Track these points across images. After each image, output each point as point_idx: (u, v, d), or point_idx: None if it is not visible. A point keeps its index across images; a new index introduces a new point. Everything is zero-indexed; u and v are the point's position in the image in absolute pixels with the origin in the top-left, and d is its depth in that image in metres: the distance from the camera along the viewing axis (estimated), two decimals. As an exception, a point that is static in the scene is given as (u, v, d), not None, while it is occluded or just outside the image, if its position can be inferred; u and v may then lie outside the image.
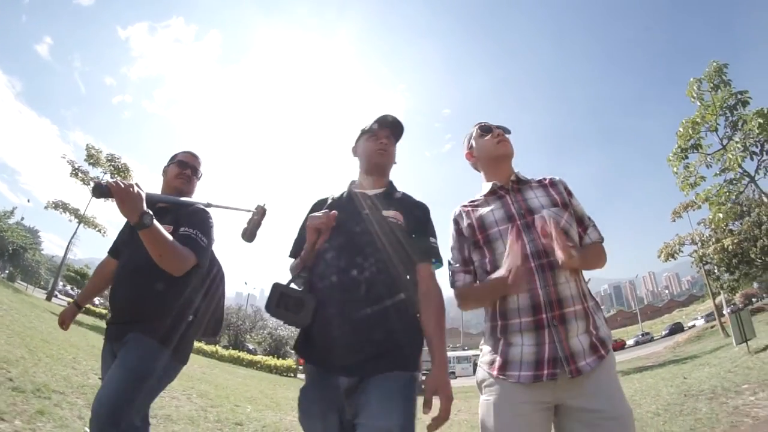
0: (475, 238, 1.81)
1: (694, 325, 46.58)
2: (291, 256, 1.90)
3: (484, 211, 1.83)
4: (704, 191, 11.99)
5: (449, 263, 1.91)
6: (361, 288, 1.63)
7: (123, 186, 1.71)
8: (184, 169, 2.31)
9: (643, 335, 52.78)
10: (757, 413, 4.32)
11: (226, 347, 29.70)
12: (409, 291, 1.72)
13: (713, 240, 20.08)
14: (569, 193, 1.86)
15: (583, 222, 1.83)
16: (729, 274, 24.55)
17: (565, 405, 1.57)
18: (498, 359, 1.66)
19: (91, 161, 24.81)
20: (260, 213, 2.10)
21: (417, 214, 1.87)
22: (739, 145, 10.65)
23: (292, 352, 35.70)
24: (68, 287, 45.61)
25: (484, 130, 1.99)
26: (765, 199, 13.81)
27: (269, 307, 1.61)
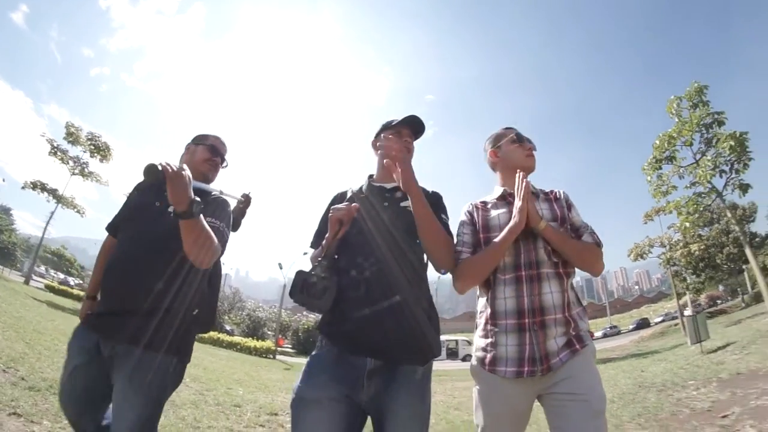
0: (477, 236, 1.94)
1: (662, 320, 48.07)
2: (312, 246, 1.96)
3: (490, 214, 1.96)
4: (675, 201, 12.96)
5: (456, 246, 1.96)
6: (385, 276, 1.68)
7: (176, 169, 1.60)
8: (215, 155, 2.17)
9: (610, 328, 54.23)
10: (696, 405, 4.93)
11: None
12: (426, 278, 1.82)
13: (681, 244, 20.93)
14: (569, 207, 1.99)
15: (578, 230, 1.95)
16: (695, 276, 25.66)
17: (544, 394, 1.76)
18: (488, 355, 1.82)
19: (71, 139, 23.82)
20: (246, 202, 2.12)
21: (431, 199, 1.90)
22: (710, 163, 11.58)
23: (270, 333, 35.68)
24: (42, 268, 44.70)
25: (519, 138, 2.06)
26: (729, 214, 14.66)
27: (293, 293, 1.62)
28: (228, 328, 36.73)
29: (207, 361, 12.21)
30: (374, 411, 1.61)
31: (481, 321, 1.92)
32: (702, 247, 20.01)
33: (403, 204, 1.82)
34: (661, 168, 12.81)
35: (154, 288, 1.78)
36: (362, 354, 1.62)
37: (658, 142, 12.65)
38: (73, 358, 1.83)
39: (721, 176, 11.56)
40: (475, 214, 1.99)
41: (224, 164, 2.23)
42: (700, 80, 12.03)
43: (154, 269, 1.81)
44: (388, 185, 1.93)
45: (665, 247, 22.17)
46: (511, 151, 2.04)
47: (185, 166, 1.64)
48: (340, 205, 1.73)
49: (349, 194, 1.96)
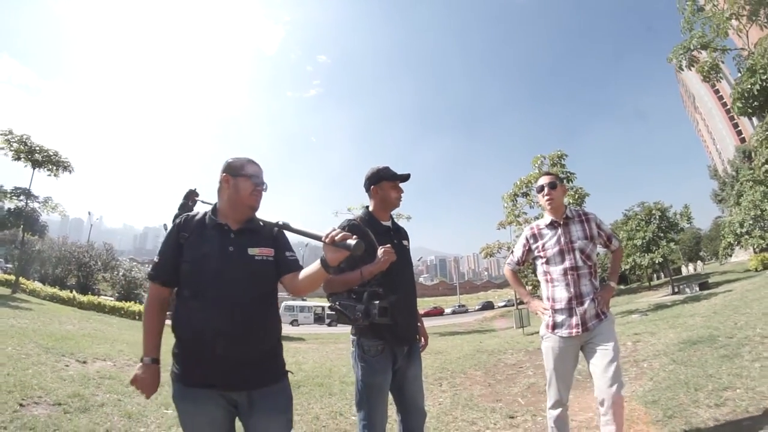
0: (539, 253, 2.99)
1: (504, 305, 53.14)
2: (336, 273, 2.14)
3: (545, 239, 2.98)
4: (524, 225, 18.88)
5: (512, 254, 3.26)
6: (415, 295, 2.79)
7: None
8: (258, 184, 2.02)
9: (459, 306, 58.80)
10: (508, 361, 7.85)
11: (70, 289, 25.83)
12: None
13: None
14: (599, 225, 2.98)
15: (610, 239, 3.03)
16: (534, 276, 31.01)
17: (585, 345, 2.81)
18: (550, 324, 2.88)
19: None
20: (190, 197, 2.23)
21: (404, 234, 2.81)
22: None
23: (145, 295, 32.54)
24: None
25: (538, 190, 3.06)
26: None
27: (365, 319, 2.04)
28: (97, 289, 34.09)
29: (115, 334, 12.08)
30: (397, 373, 2.54)
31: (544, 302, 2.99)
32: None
33: (404, 243, 2.75)
34: (516, 200, 18.50)
35: (265, 331, 1.93)
36: (406, 344, 2.59)
37: (518, 182, 18.30)
38: (207, 423, 1.83)
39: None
40: (533, 240, 3.07)
41: (265, 188, 2.08)
42: (562, 148, 17.73)
43: (262, 316, 1.92)
44: (388, 223, 2.75)
45: (511, 251, 26.09)
46: (540, 198, 3.09)
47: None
48: (389, 249, 2.29)
49: (366, 229, 2.45)
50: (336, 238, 1.69)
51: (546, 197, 3.01)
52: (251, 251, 1.92)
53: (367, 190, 2.75)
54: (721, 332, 6.27)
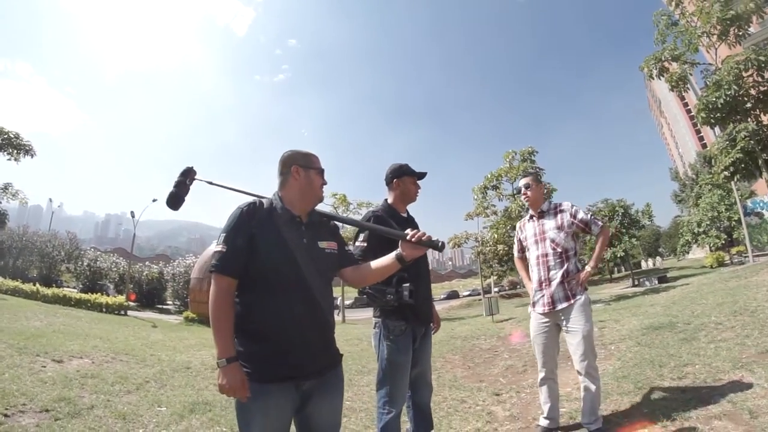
0: (525, 243, 3.49)
1: (469, 294, 54.40)
2: (362, 256, 2.45)
3: (526, 230, 3.47)
4: (492, 219, 19.90)
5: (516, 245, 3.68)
6: (430, 281, 2.96)
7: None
8: (323, 178, 2.05)
9: None
10: (482, 346, 8.28)
11: (32, 281, 25.03)
12: None
13: (491, 243, 25.19)
14: (574, 214, 3.27)
15: (587, 225, 3.26)
16: (500, 266, 31.95)
17: (560, 324, 3.18)
18: (532, 302, 3.35)
19: None
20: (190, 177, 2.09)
21: (414, 223, 2.93)
22: (521, 202, 17.85)
23: (110, 286, 32.47)
24: None
25: (517, 190, 4.61)
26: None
27: (398, 300, 2.35)
28: (61, 280, 32.93)
29: (86, 329, 11.64)
30: (415, 352, 2.73)
31: (530, 285, 3.43)
32: (506, 249, 25.25)
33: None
34: (486, 193, 19.18)
35: (331, 321, 1.97)
36: (425, 325, 2.82)
37: (489, 175, 18.98)
38: (278, 417, 1.76)
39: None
40: (519, 232, 3.63)
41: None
42: (533, 145, 18.41)
43: (330, 306, 1.96)
44: (405, 215, 2.97)
45: (478, 242, 26.88)
46: (523, 198, 3.59)
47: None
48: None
49: (390, 220, 2.72)
50: (423, 238, 1.87)
51: (523, 196, 3.57)
52: (321, 244, 1.95)
53: (389, 183, 2.92)
54: (680, 319, 6.78)
